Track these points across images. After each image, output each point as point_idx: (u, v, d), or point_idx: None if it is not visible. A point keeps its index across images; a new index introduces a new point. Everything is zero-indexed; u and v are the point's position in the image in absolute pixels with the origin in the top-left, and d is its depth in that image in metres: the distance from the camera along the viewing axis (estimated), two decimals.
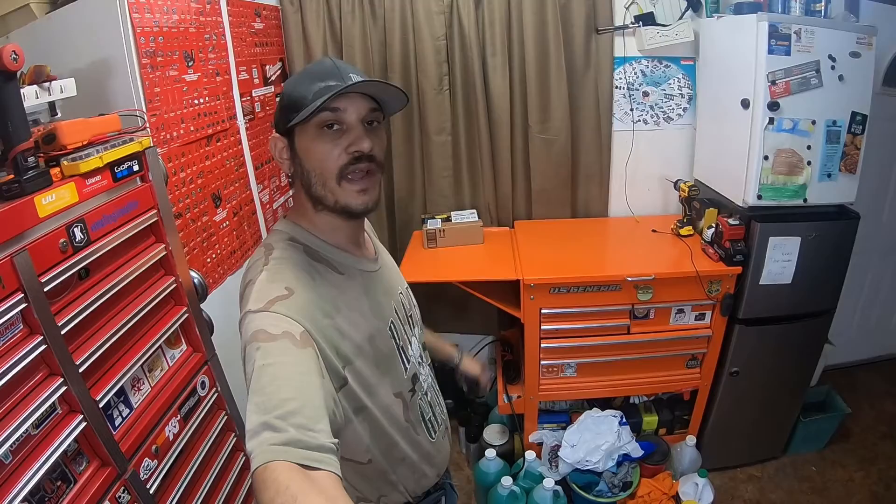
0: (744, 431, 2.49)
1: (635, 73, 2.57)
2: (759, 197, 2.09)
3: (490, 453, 2.39)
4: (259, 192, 2.15)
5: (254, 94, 2.13)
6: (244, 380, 0.86)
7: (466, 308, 2.77)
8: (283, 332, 0.87)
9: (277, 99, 2.34)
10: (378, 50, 2.51)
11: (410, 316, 1.26)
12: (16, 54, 0.97)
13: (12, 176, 1.01)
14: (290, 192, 2.48)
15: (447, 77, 2.53)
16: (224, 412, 1.63)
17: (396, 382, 1.14)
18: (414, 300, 1.33)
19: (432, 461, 1.25)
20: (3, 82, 0.99)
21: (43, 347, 1.05)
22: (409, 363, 1.18)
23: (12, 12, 1.48)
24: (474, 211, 2.68)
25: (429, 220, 2.61)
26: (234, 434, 1.66)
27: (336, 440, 0.78)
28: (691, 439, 2.39)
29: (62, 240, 1.10)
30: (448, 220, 2.61)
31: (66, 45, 1.44)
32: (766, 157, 2.05)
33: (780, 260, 2.11)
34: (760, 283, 2.15)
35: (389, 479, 1.16)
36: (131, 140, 1.27)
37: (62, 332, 1.09)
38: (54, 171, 1.11)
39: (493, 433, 2.62)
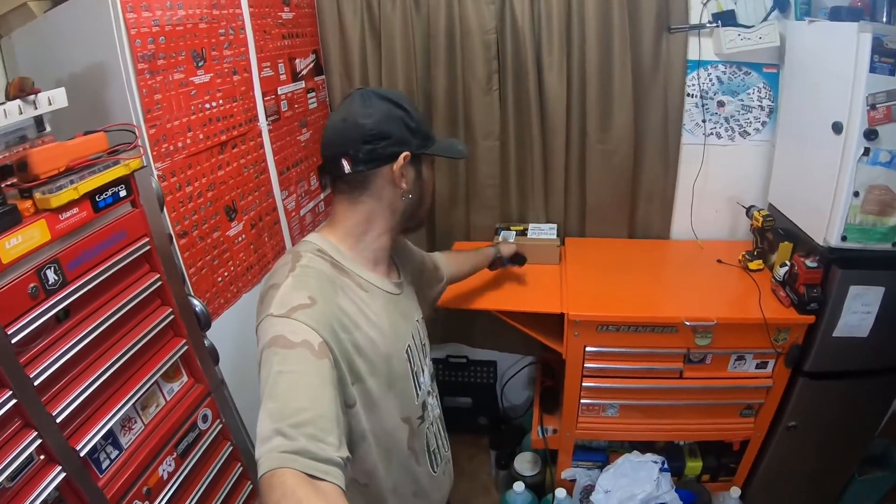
0: (794, 486, 2.27)
1: (710, 80, 2.29)
2: (844, 238, 1.82)
3: (518, 487, 2.28)
4: (283, 199, 1.99)
5: (279, 92, 1.95)
6: (257, 383, 0.89)
7: (507, 326, 2.58)
8: (302, 340, 0.90)
9: (312, 95, 2.26)
10: (421, 43, 2.30)
11: (424, 345, 1.30)
12: None
13: None
14: (321, 196, 2.34)
15: (496, 76, 2.30)
16: (229, 443, 1.54)
17: (406, 407, 1.17)
18: (426, 332, 1.35)
19: (427, 498, 1.27)
20: None
21: (13, 402, 0.96)
22: (420, 389, 1.22)
23: (11, 11, 1.38)
24: (554, 226, 2.46)
25: (502, 231, 2.41)
26: (240, 464, 1.57)
27: (346, 455, 0.81)
28: (736, 490, 2.20)
29: (32, 285, 0.99)
30: (524, 233, 2.41)
31: (62, 48, 1.33)
32: (856, 194, 1.77)
33: (860, 311, 1.85)
34: (834, 334, 1.89)
35: None
36: (116, 163, 1.14)
37: (35, 384, 1.01)
38: (26, 204, 0.98)
39: (524, 462, 2.47)
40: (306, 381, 0.85)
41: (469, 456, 2.75)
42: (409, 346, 1.19)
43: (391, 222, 1.15)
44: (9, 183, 1.00)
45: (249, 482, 1.60)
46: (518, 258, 2.02)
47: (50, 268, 1.02)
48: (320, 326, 0.93)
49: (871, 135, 1.72)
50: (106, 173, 1.11)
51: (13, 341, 0.95)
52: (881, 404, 2.14)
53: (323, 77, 2.37)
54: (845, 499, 2.37)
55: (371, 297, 1.11)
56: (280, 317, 0.93)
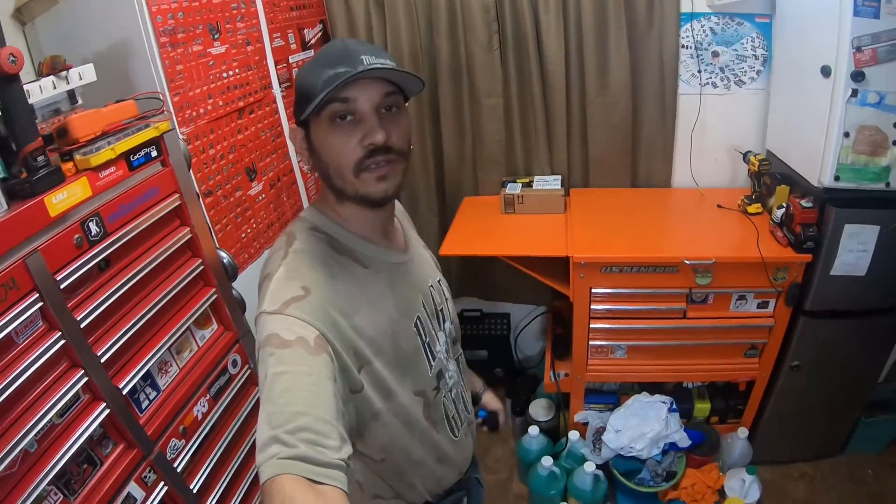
0: (800, 427, 2.34)
1: (704, 31, 2.33)
2: (837, 178, 1.87)
3: (533, 430, 2.37)
4: (299, 162, 2.11)
5: (291, 61, 2.06)
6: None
7: (518, 278, 2.66)
8: (297, 337, 0.85)
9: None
10: (423, 9, 2.37)
11: (441, 311, 1.20)
12: (14, 56, 0.95)
13: (26, 174, 1.01)
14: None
15: (497, 36, 2.37)
16: (257, 388, 1.63)
17: (419, 381, 1.10)
18: (447, 293, 1.27)
19: (451, 462, 1.22)
20: (5, 86, 0.98)
21: (62, 343, 1.07)
22: (434, 360, 1.14)
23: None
24: (559, 177, 2.53)
25: (509, 184, 2.49)
26: None
27: (348, 454, 0.77)
28: (743, 431, 2.27)
29: (77, 236, 1.10)
30: (529, 185, 2.49)
31: (86, 29, 1.42)
32: (846, 134, 1.82)
33: (856, 249, 1.91)
34: (832, 273, 1.95)
35: (405, 480, 1.14)
36: (147, 126, 1.25)
37: (81, 326, 1.12)
38: (69, 165, 1.10)
39: (539, 408, 2.57)
40: (303, 382, 0.81)
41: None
42: (418, 317, 1.10)
43: (332, 193, 1.02)
44: (51, 148, 1.10)
45: None
46: (491, 420, 1.60)
47: (92, 220, 1.13)
48: (316, 318, 0.88)
49: (857, 76, 1.77)
50: (138, 135, 1.22)
51: (61, 287, 1.06)
52: (884, 344, 2.20)
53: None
54: (852, 441, 2.44)
55: (373, 272, 1.04)
56: (273, 313, 0.88)
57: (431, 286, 1.19)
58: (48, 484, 1.04)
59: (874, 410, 2.40)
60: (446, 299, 1.25)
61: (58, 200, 1.04)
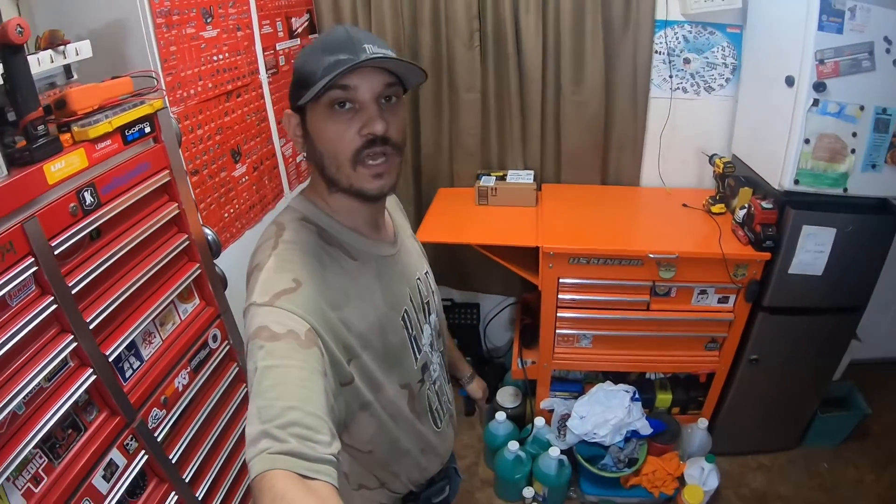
0: (758, 419, 2.46)
1: (677, 38, 2.43)
2: (797, 182, 1.99)
3: (500, 416, 2.44)
4: (282, 147, 2.15)
5: (278, 48, 2.10)
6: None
7: (489, 269, 2.74)
8: (287, 330, 0.83)
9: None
10: (408, 3, 2.43)
11: (427, 303, 1.20)
12: (21, 27, 0.97)
13: (25, 143, 1.04)
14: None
15: (478, 33, 2.44)
16: (236, 363, 1.68)
17: (405, 374, 1.11)
18: (433, 286, 1.27)
19: (435, 451, 1.24)
20: (10, 55, 1.00)
21: (54, 307, 1.10)
22: (419, 353, 1.14)
23: None
24: (531, 172, 2.62)
25: (483, 177, 2.56)
26: (244, 385, 1.71)
27: (336, 452, 0.76)
28: (703, 422, 2.38)
29: (72, 204, 1.13)
30: (503, 178, 2.56)
31: (83, 6, 1.43)
32: (807, 141, 1.94)
33: (813, 250, 2.03)
34: (789, 272, 2.07)
35: (391, 470, 1.16)
36: (142, 103, 1.28)
37: (72, 292, 1.14)
38: (66, 136, 1.13)
39: (506, 395, 2.65)
40: (293, 376, 0.79)
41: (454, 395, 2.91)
42: (405, 310, 1.09)
43: (324, 182, 1.01)
44: (48, 119, 1.12)
45: None
46: (469, 404, 1.75)
47: (87, 190, 1.16)
48: (307, 311, 0.87)
49: (819, 87, 1.88)
50: (134, 111, 1.25)
51: (56, 252, 1.09)
52: (838, 342, 2.32)
53: (316, 35, 2.48)
54: (809, 435, 2.56)
55: (361, 264, 1.03)
56: (264, 305, 0.86)
57: (419, 279, 1.18)
58: (34, 447, 1.06)
59: (831, 407, 2.52)
60: (432, 292, 1.25)
61: (56, 169, 1.07)
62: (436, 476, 1.28)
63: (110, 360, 1.23)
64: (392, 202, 1.24)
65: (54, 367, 1.11)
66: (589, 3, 2.34)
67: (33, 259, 1.04)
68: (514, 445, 2.27)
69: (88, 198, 1.16)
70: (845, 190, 1.99)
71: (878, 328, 2.77)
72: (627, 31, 2.41)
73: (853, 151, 1.94)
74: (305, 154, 1.02)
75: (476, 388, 1.67)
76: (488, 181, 2.52)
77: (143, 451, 1.32)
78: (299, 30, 2.30)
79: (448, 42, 2.47)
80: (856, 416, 2.55)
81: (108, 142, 1.20)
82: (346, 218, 1.03)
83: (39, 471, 1.09)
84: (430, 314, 1.21)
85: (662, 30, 2.42)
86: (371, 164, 0.95)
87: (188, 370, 1.48)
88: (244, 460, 0.76)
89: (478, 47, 2.46)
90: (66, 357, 1.14)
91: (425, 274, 1.23)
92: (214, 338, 1.59)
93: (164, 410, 1.39)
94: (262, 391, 0.77)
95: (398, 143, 0.98)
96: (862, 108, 1.90)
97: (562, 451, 2.25)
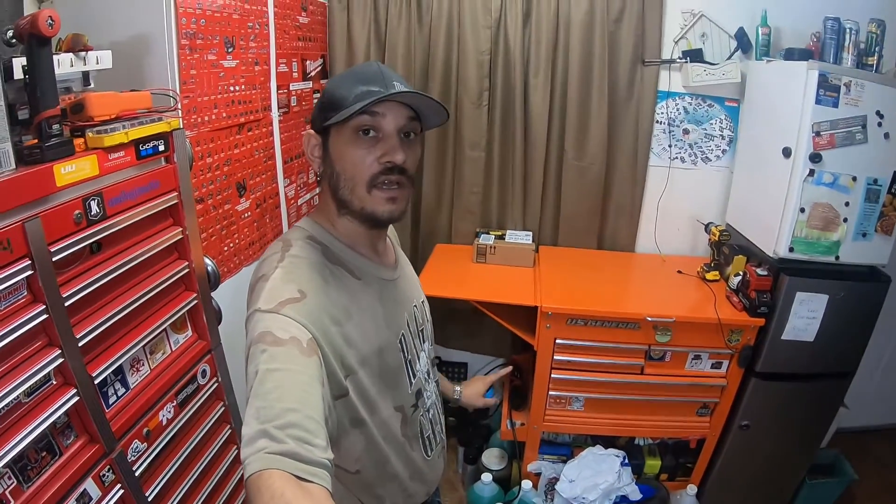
0: (747, 486, 2.41)
1: (678, 110, 2.52)
2: (791, 249, 2.03)
3: (486, 477, 2.36)
4: (285, 187, 2.14)
5: (291, 88, 2.13)
6: (244, 377, 0.85)
7: (480, 328, 2.74)
8: (290, 337, 0.86)
9: (317, 95, 2.35)
10: (421, 57, 2.50)
11: (422, 330, 1.24)
12: (52, 20, 0.95)
13: (36, 140, 1.01)
14: (317, 190, 2.47)
15: (487, 92, 2.51)
16: (222, 403, 1.61)
17: (399, 396, 1.12)
18: (428, 315, 1.31)
19: (423, 479, 1.22)
20: (37, 47, 0.98)
21: (44, 317, 1.04)
22: (414, 378, 1.16)
23: None
24: (530, 233, 2.65)
25: (482, 235, 2.59)
26: (229, 426, 1.64)
27: (331, 456, 0.77)
28: (692, 488, 2.33)
29: (77, 211, 1.09)
30: (502, 237, 2.59)
31: (106, 16, 1.43)
32: (802, 210, 1.99)
33: (805, 316, 2.04)
34: (782, 337, 2.08)
35: (375, 493, 1.14)
36: (160, 119, 1.27)
37: (66, 304, 1.08)
38: (78, 141, 1.10)
39: (491, 457, 2.57)
40: (294, 380, 0.81)
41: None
42: (402, 334, 1.13)
43: (335, 204, 1.05)
44: (64, 121, 1.10)
45: (235, 446, 1.65)
46: (479, 411, 1.68)
47: (94, 199, 1.12)
48: (310, 322, 0.89)
49: (815, 158, 1.95)
50: (151, 126, 1.23)
51: (54, 259, 1.04)
52: (828, 408, 2.31)
53: (328, 80, 2.52)
54: (797, 502, 2.50)
55: (364, 285, 1.06)
56: (268, 312, 0.89)
57: (416, 305, 1.22)
58: (3, 467, 0.99)
59: (818, 474, 2.49)
60: (427, 321, 1.29)
61: (66, 172, 1.04)
62: None
63: (96, 382, 1.17)
64: (394, 236, 1.29)
65: (36, 381, 1.04)
66: (597, 71, 2.43)
67: (30, 262, 0.99)
68: None
69: (95, 207, 1.13)
70: (837, 258, 2.04)
71: (864, 397, 2.78)
72: (631, 100, 2.50)
73: (845, 220, 2.00)
74: (320, 175, 1.08)
75: (470, 392, 1.64)
76: (487, 239, 2.54)
77: (118, 485, 1.23)
78: (312, 73, 2.34)
79: (458, 98, 2.52)
80: (843, 483, 2.52)
81: (122, 153, 1.18)
82: (350, 240, 1.08)
83: (7, 493, 1.01)
84: (424, 341, 1.24)
85: (664, 101, 2.51)
86: (386, 189, 1.00)
87: (174, 404, 1.41)
88: None
89: (486, 106, 2.52)
90: (49, 373, 1.07)
91: (422, 303, 1.28)
92: (203, 373, 1.53)
93: (146, 444, 1.31)
94: (262, 393, 0.78)
95: (412, 175, 1.04)
96: (854, 178, 1.97)
97: None
